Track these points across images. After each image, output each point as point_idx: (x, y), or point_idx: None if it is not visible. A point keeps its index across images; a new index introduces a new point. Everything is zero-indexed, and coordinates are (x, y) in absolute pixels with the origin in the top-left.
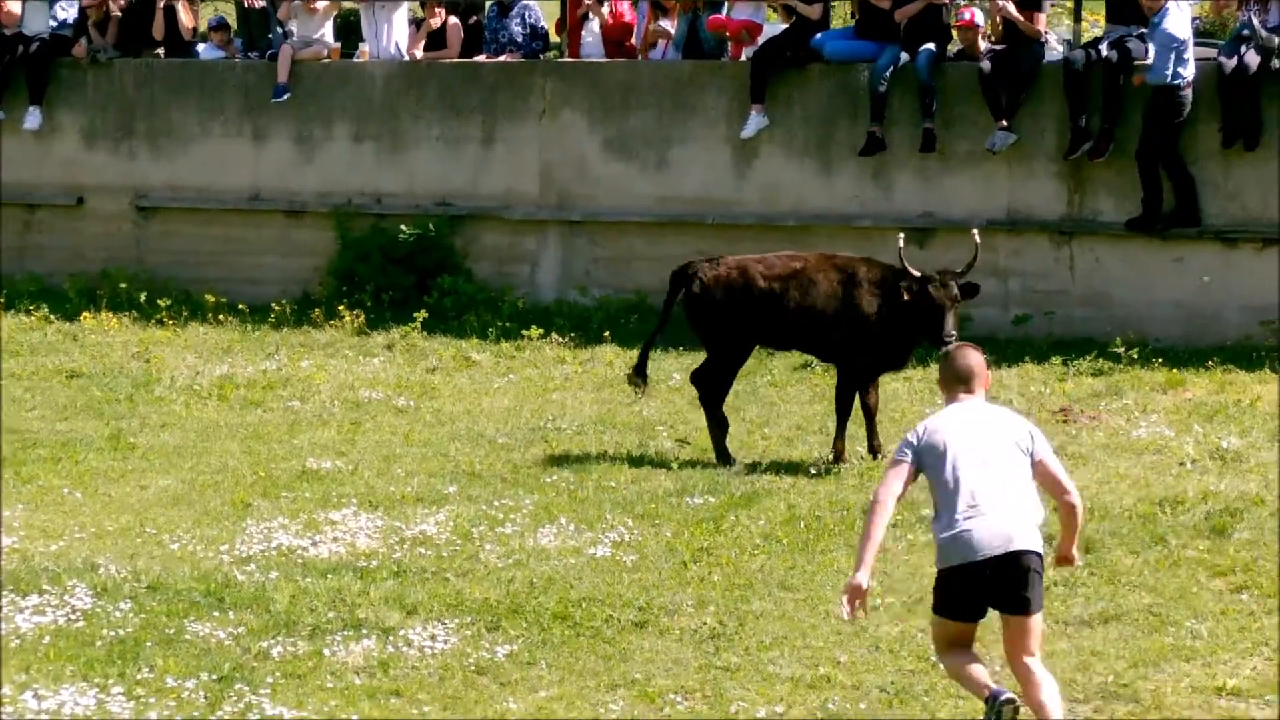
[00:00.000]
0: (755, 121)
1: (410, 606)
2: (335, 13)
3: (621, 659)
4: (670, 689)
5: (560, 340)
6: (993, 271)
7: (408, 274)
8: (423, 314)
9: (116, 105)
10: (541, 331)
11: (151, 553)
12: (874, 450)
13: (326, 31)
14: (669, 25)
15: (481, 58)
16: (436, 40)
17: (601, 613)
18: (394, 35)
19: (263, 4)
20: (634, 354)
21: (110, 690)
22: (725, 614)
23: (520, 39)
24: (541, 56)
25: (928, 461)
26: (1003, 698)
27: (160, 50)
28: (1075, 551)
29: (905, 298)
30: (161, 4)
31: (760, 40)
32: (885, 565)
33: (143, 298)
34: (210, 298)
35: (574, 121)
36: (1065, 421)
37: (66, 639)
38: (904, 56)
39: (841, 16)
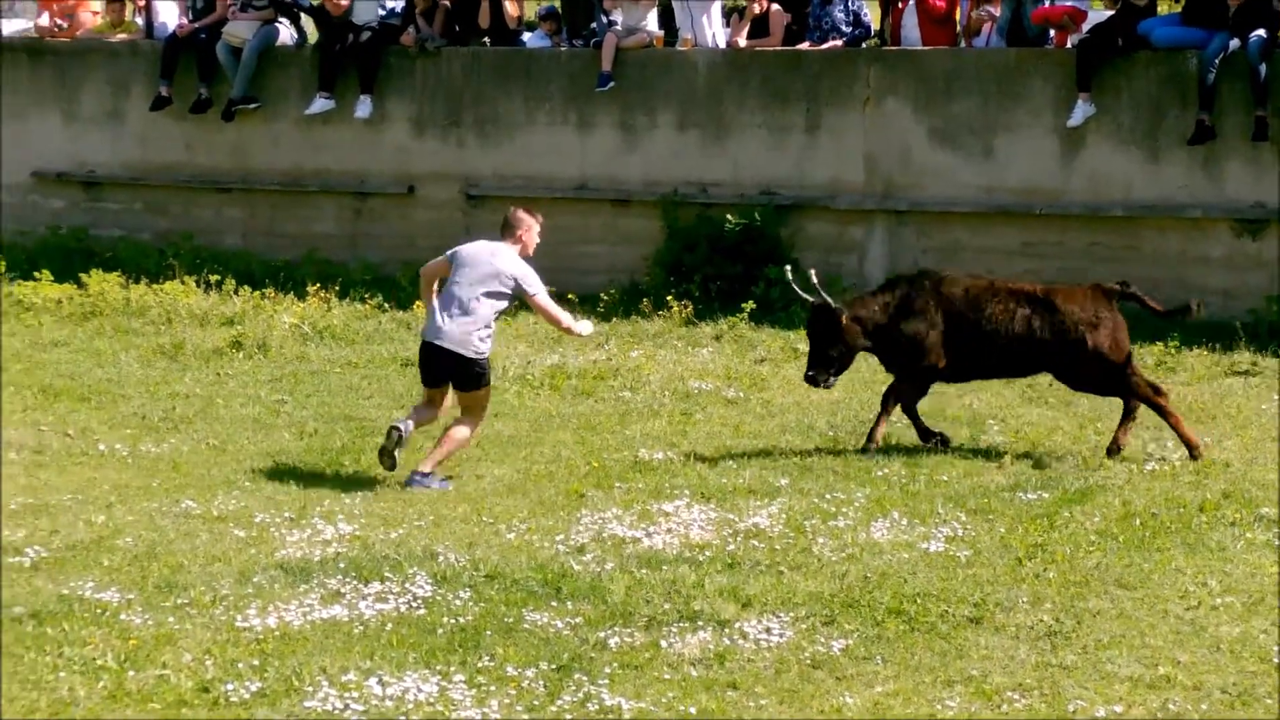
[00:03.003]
0: (1082, 110)
1: (745, 599)
2: (658, 1)
3: (957, 655)
4: (1007, 686)
5: None
6: None
7: (734, 264)
8: (750, 304)
9: (444, 94)
10: None
11: (489, 541)
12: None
13: (651, 20)
14: (993, 10)
15: (805, 45)
16: (759, 28)
17: (936, 608)
18: (711, 25)
19: None
20: None
21: (452, 678)
22: (1061, 611)
23: (843, 26)
24: (864, 44)
25: (455, 264)
26: (395, 424)
27: (486, 39)
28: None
29: None
30: None
31: (1085, 27)
32: (1224, 564)
33: None
34: None
35: (898, 110)
36: None
37: (408, 626)
38: (1234, 43)
39: (1168, 2)
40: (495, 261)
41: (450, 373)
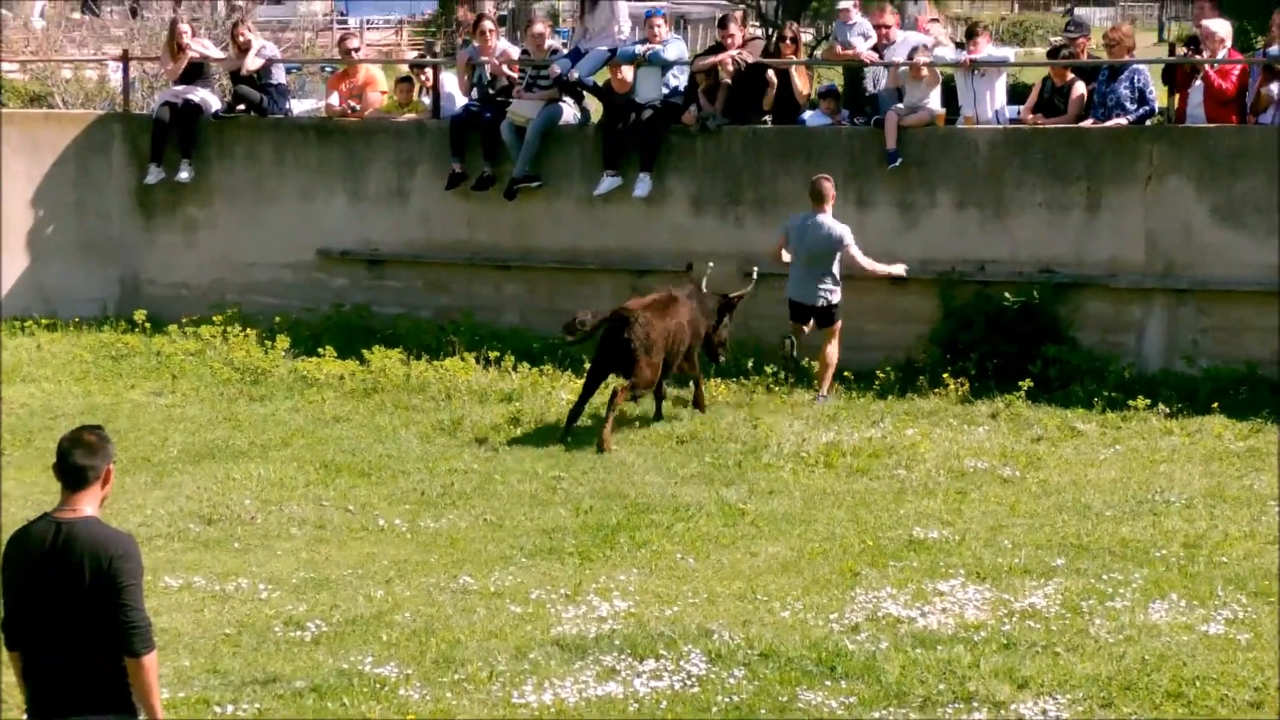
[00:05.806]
0: None
1: (1021, 680)
2: (941, 80)
3: None
4: None
5: (1167, 411)
6: None
7: (1011, 342)
8: (1028, 383)
9: (724, 172)
10: (1148, 402)
11: (763, 620)
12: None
13: (933, 98)
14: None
15: (1088, 123)
16: (1047, 105)
17: (1216, 692)
18: (994, 101)
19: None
20: (1245, 426)
21: None
22: None
23: (1128, 103)
24: (1148, 122)
25: (790, 239)
26: (784, 339)
27: (767, 117)
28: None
29: None
30: (771, 72)
31: None
32: None
33: (750, 364)
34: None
35: (1180, 188)
36: None
37: (683, 704)
38: None
39: None
40: (820, 230)
41: (809, 315)
